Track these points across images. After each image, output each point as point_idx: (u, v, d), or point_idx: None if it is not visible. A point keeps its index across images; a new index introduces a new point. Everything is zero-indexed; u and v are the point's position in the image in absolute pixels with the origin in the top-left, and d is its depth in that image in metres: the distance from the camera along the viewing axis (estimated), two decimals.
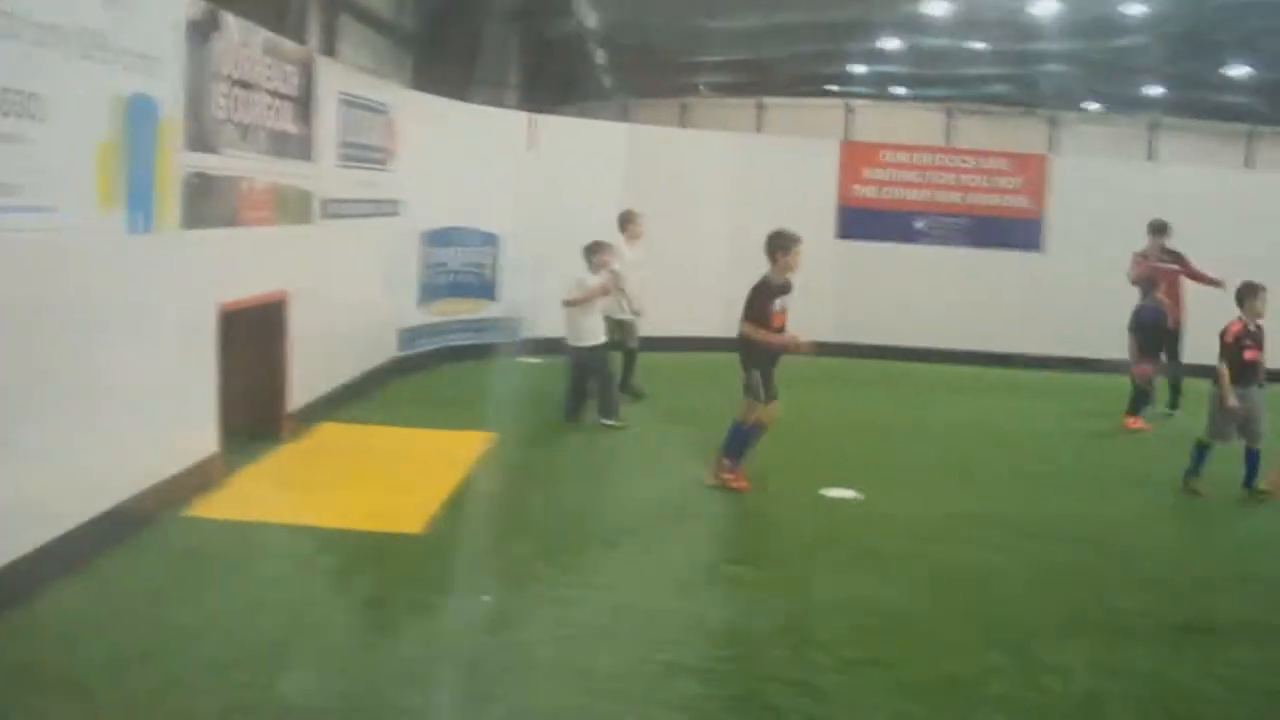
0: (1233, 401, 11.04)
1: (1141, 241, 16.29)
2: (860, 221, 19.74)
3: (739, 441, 10.52)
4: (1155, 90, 38.72)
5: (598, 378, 13.09)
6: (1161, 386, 15.52)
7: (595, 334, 13.21)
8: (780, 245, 10.28)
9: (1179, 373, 15.52)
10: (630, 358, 14.71)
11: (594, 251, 13.27)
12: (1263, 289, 11.33)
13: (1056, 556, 9.07)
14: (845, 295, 18.81)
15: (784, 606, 7.60)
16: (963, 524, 9.83)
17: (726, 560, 8.51)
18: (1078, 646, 7.13)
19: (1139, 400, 14.72)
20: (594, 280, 13.17)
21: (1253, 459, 11.30)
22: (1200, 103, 39.38)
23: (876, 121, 35.56)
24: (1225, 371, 11.18)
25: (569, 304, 13.11)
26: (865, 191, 19.90)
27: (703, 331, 16.71)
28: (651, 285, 14.56)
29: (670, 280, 15.32)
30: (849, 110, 40.45)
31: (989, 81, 37.88)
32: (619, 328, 14.25)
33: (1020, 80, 36.98)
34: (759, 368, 10.35)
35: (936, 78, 38.53)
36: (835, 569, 8.44)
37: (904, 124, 34.84)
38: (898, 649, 6.93)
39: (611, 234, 14.23)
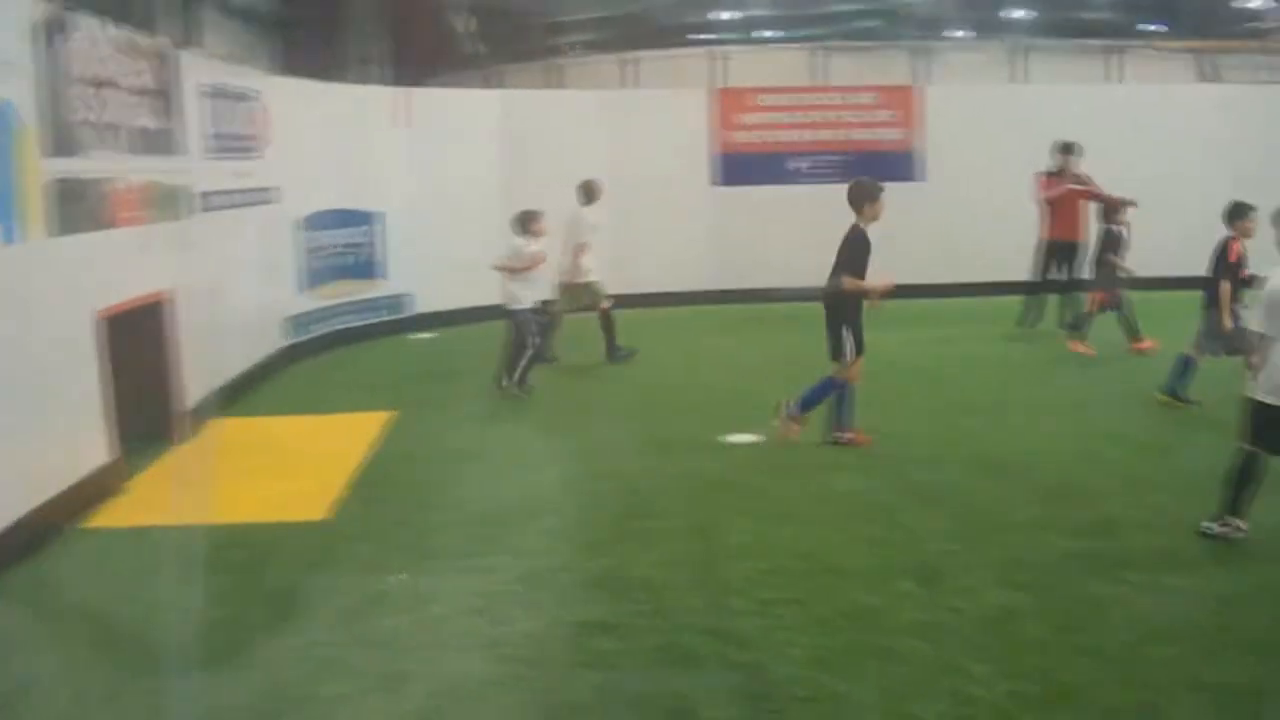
0: (1229, 322, 11.13)
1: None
2: (738, 167, 19.76)
3: (847, 402, 10.40)
4: (1020, 13, 39.20)
5: (529, 340, 13.03)
6: (1052, 304, 15.88)
7: (530, 298, 13.23)
8: (868, 195, 10.20)
9: (1076, 289, 15.85)
10: (607, 320, 14.68)
11: (528, 220, 13.25)
12: (1253, 208, 11.22)
13: (961, 481, 9.22)
14: (729, 242, 18.90)
15: (696, 555, 7.66)
16: (861, 457, 9.96)
17: (634, 515, 8.53)
18: (985, 566, 7.26)
19: (1128, 325, 14.65)
20: (532, 247, 13.16)
21: None
22: (1064, 22, 39.92)
23: (746, 67, 35.48)
24: (1227, 290, 11.24)
25: (505, 270, 13.11)
26: (741, 137, 19.94)
27: None
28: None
29: (552, 241, 15.28)
30: (718, 58, 40.48)
31: (855, 17, 38.13)
32: (585, 292, 14.48)
33: (886, 13, 37.27)
34: (852, 323, 10.27)
35: (803, 18, 38.69)
36: (743, 514, 8.51)
37: (774, 67, 34.84)
38: (810, 587, 7.01)
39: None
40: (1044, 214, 16.17)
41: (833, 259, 10.22)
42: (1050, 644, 6.17)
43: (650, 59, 39.02)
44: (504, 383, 12.93)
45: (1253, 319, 7.88)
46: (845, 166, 18.80)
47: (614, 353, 14.63)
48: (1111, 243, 14.38)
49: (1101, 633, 6.30)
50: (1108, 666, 5.91)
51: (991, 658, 6.00)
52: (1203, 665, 5.91)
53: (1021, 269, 16.28)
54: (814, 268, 10.53)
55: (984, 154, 18.86)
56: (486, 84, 33.96)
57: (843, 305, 10.29)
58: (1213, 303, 11.35)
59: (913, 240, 17.59)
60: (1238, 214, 11.39)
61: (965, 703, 5.59)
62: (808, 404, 10.54)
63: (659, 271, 18.23)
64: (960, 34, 41.30)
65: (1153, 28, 46.71)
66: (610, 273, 14.99)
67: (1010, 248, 16.54)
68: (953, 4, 35.62)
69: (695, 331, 12.86)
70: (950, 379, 13.50)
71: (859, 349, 10.32)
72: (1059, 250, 16.12)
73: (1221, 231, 11.42)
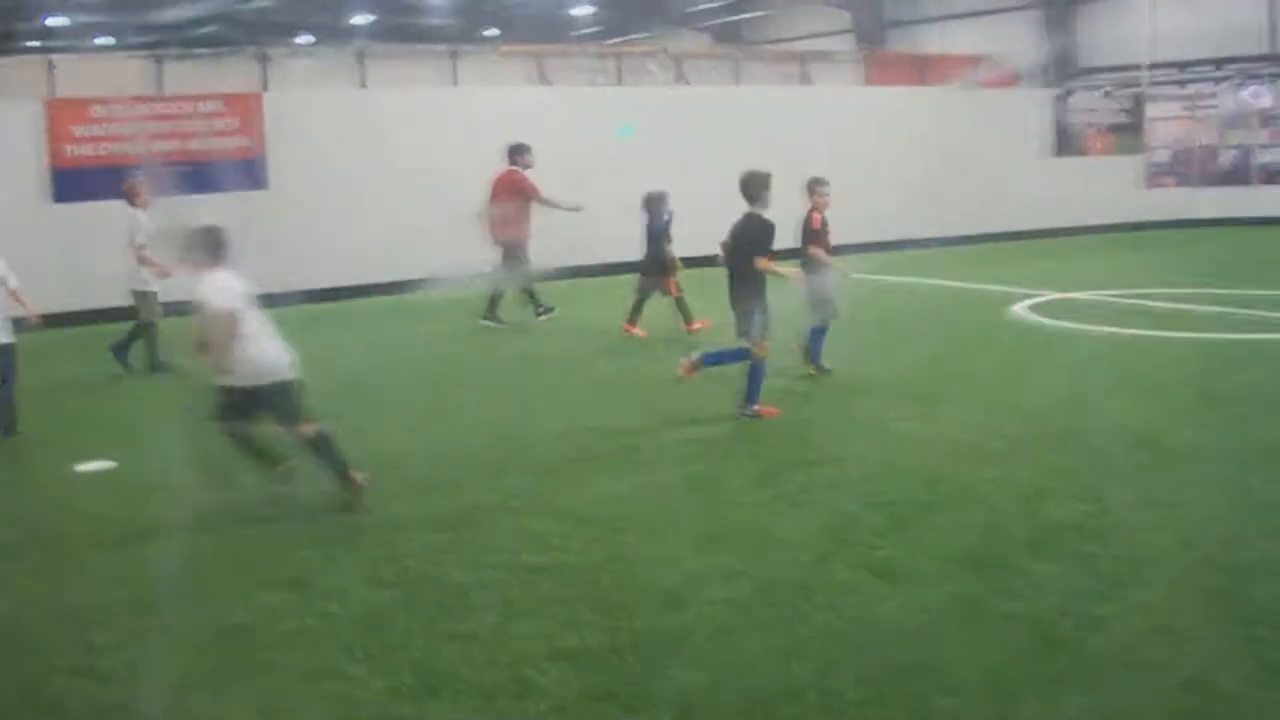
0: (797, 277, 11.80)
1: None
2: (77, 182, 18.75)
3: (757, 378, 11.02)
4: (362, 19, 39.76)
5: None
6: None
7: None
8: (763, 184, 11.04)
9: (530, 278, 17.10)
10: (150, 331, 14.21)
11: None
12: (825, 181, 12.67)
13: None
14: (70, 261, 17.78)
15: (61, 592, 7.20)
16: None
17: None
18: (354, 566, 7.29)
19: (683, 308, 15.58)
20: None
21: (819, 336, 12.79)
22: (407, 27, 40.85)
23: (83, 76, 33.88)
24: (821, 253, 12.43)
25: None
26: (79, 150, 18.98)
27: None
28: None
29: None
30: (51, 66, 38.36)
31: (195, 24, 37.27)
32: (142, 300, 14.12)
33: (226, 19, 36.68)
34: (762, 303, 10.94)
35: (141, 25, 37.36)
36: (97, 544, 8.09)
37: (113, 76, 33.39)
38: (178, 611, 6.76)
39: None
40: (499, 214, 16.86)
41: None
42: (421, 634, 6.27)
43: None
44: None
45: None
46: (192, 177, 18.30)
47: (157, 365, 14.19)
48: (655, 234, 15.42)
49: (469, 617, 6.47)
50: (478, 648, 6.07)
51: (367, 656, 6.02)
52: (561, 634, 6.20)
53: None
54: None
55: (327, 159, 18.91)
56: None
57: (757, 286, 10.95)
58: (809, 270, 12.35)
59: (266, 248, 17.35)
60: (815, 185, 12.68)
61: (346, 705, 5.57)
62: (714, 361, 11.30)
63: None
64: (303, 40, 41.39)
65: (490, 33, 48.68)
66: None
67: (357, 249, 16.73)
68: (295, 10, 35.53)
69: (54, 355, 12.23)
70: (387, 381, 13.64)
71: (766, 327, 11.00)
72: (507, 248, 16.97)
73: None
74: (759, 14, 51.77)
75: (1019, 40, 42.35)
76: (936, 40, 45.82)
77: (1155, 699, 5.39)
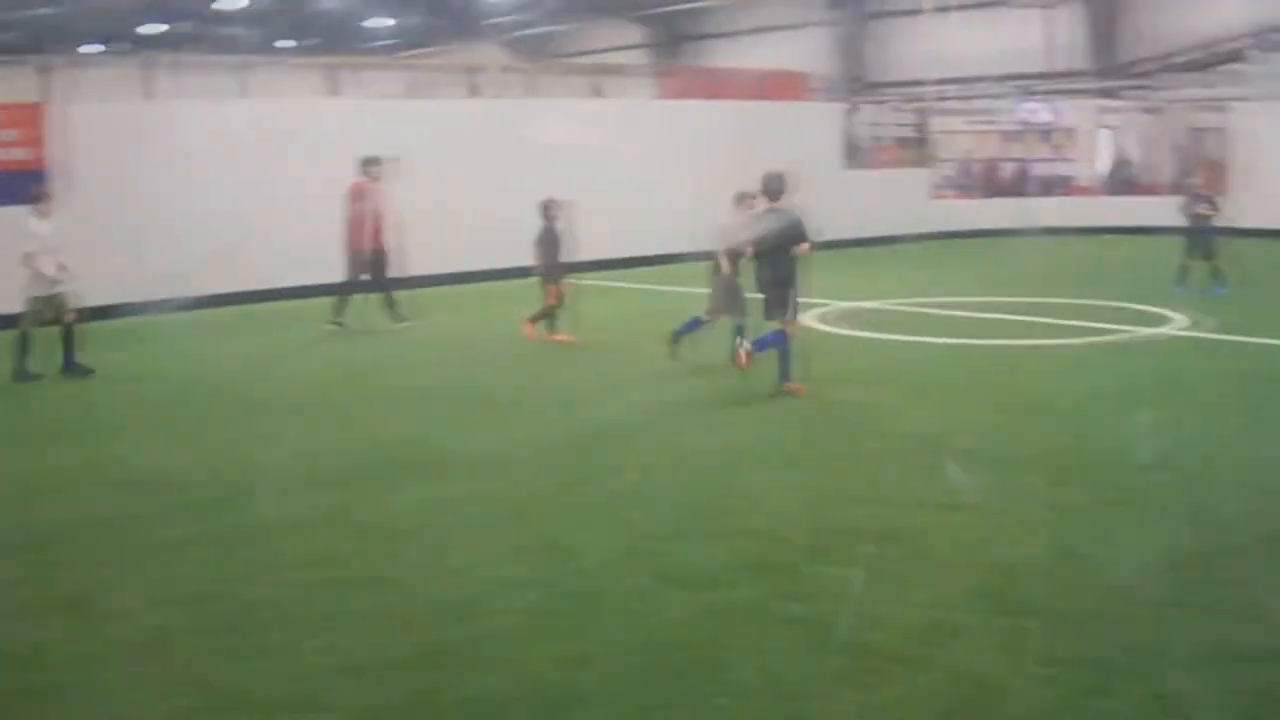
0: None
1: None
2: None
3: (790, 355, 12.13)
4: (155, 28, 38.86)
5: None
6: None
7: None
8: (785, 184, 12.19)
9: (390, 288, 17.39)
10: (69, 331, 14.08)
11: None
12: (755, 194, 12.89)
13: (123, 507, 9.01)
14: None
15: None
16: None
17: None
18: (139, 587, 7.16)
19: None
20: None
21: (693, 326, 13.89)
22: (200, 37, 40.09)
23: None
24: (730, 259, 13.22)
25: None
26: None
27: None
28: None
29: None
30: None
31: None
32: (49, 304, 13.88)
33: (9, 26, 35.56)
34: (795, 286, 12.18)
35: None
36: None
37: None
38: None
39: None
40: (353, 224, 17.22)
41: None
42: (207, 654, 6.19)
43: None
44: None
45: None
46: None
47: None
48: (551, 240, 15.44)
49: (257, 635, 6.41)
50: (265, 665, 6.03)
51: (150, 679, 5.93)
52: (351, 649, 6.20)
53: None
54: None
55: (116, 171, 18.46)
56: None
57: (790, 272, 12.04)
58: (718, 270, 13.45)
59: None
60: (741, 199, 13.36)
61: None
62: (761, 346, 12.10)
63: None
64: (91, 49, 40.29)
65: (286, 44, 48.03)
66: None
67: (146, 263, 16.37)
68: (82, 18, 34.59)
69: None
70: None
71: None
72: (365, 256, 17.26)
73: None
74: (555, 28, 52.03)
75: (810, 55, 43.35)
76: (729, 55, 46.60)
77: (929, 693, 5.62)
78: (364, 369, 14.59)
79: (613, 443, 10.64)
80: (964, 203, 32.99)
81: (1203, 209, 19.75)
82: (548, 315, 15.82)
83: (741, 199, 13.37)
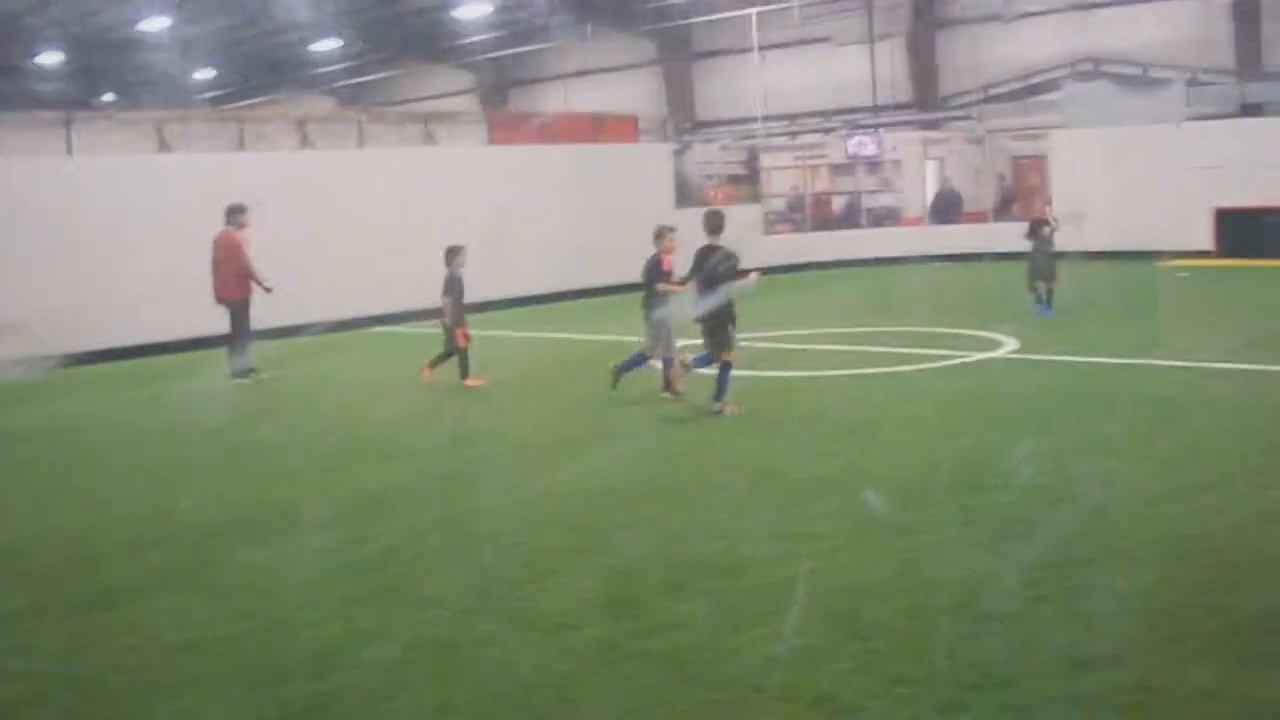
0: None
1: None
2: None
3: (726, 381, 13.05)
4: None
5: None
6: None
7: None
8: (721, 222, 13.43)
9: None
10: None
11: None
12: (674, 228, 14.29)
13: None
14: None
15: None
16: None
17: None
18: None
19: (460, 358, 15.73)
20: None
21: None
22: (17, 93, 39.12)
23: None
24: (670, 288, 13.92)
25: None
26: None
27: None
28: None
29: None
30: None
31: None
32: None
33: None
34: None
35: None
36: None
37: None
38: None
39: None
40: (219, 275, 17.09)
41: None
42: None
43: None
44: None
45: None
46: None
47: None
48: (456, 286, 15.72)
49: (109, 704, 6.29)
50: None
51: None
52: (207, 711, 6.13)
53: None
54: None
55: None
56: None
57: (728, 303, 12.98)
58: (651, 306, 14.12)
59: None
60: (662, 233, 14.21)
61: None
62: (703, 363, 13.23)
63: None
64: None
65: (108, 98, 47.15)
66: None
67: None
68: None
69: None
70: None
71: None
72: (231, 307, 17.19)
73: None
74: (383, 75, 51.82)
75: (639, 97, 43.81)
76: (559, 98, 46.86)
77: None
78: (221, 423, 14.35)
79: (467, 486, 10.62)
80: (797, 236, 33.52)
81: (1045, 233, 20.53)
82: (445, 359, 15.85)
83: (661, 234, 14.16)
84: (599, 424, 13.00)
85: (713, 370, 13.14)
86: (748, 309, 13.29)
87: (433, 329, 16.22)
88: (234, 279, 17.12)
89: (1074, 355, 15.55)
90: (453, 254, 15.92)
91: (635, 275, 14.36)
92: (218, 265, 17.17)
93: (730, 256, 13.05)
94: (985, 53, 38.58)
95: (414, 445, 12.48)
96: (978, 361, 15.64)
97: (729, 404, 12.93)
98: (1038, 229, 20.64)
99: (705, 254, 13.15)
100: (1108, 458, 10.42)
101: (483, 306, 23.57)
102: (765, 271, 14.79)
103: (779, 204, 34.98)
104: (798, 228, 34.35)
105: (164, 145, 24.12)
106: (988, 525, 8.62)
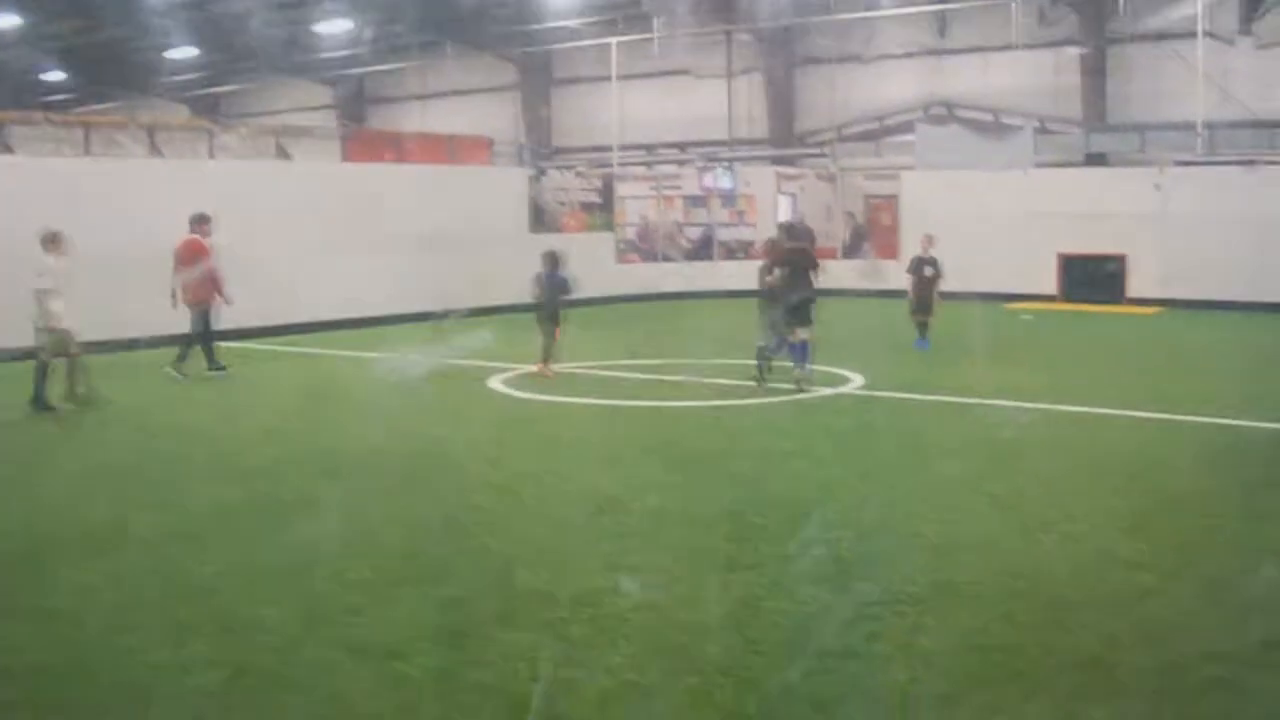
0: None
1: None
2: None
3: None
4: None
5: None
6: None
7: None
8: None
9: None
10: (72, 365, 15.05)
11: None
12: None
13: None
14: None
15: None
16: None
17: None
18: None
19: None
20: None
21: None
22: None
23: None
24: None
25: None
26: None
27: None
28: None
29: None
30: None
31: None
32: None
33: None
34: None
35: None
36: None
37: None
38: None
39: None
40: (183, 280, 17.65)
41: None
42: None
43: None
44: None
45: None
46: None
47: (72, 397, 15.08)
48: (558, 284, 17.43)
49: None
50: None
51: None
52: None
53: None
54: None
55: None
56: None
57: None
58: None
59: None
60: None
61: None
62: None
63: None
64: None
65: None
66: None
67: None
68: None
69: None
70: None
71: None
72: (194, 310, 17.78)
73: None
74: (241, 87, 51.04)
75: (496, 120, 43.68)
76: (416, 119, 46.56)
77: None
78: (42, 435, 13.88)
79: (298, 513, 10.35)
80: (648, 266, 33.57)
81: (926, 272, 21.04)
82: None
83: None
84: (428, 448, 12.77)
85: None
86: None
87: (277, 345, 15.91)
88: (196, 284, 17.67)
89: (918, 394, 15.73)
90: (549, 258, 17.86)
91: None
92: (179, 270, 17.76)
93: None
94: (842, 92, 39.15)
95: (251, 466, 12.17)
96: (824, 398, 15.72)
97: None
98: (919, 265, 21.09)
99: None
100: (950, 495, 10.52)
101: (328, 326, 23.42)
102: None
103: (631, 233, 35.03)
104: (649, 258, 34.41)
105: (5, 148, 23.36)
106: (829, 560, 8.63)
